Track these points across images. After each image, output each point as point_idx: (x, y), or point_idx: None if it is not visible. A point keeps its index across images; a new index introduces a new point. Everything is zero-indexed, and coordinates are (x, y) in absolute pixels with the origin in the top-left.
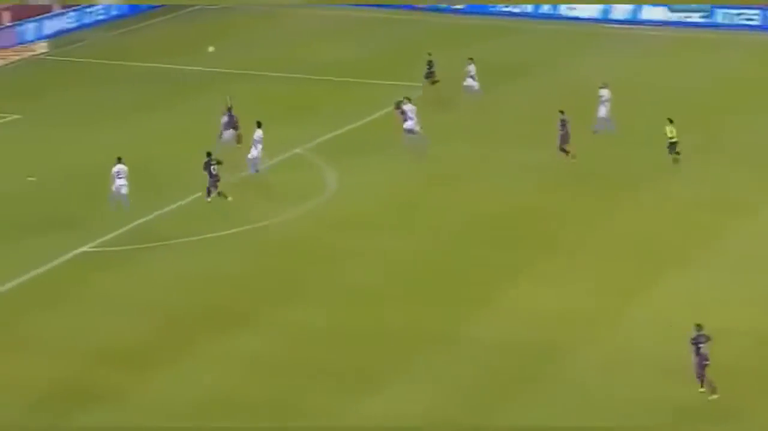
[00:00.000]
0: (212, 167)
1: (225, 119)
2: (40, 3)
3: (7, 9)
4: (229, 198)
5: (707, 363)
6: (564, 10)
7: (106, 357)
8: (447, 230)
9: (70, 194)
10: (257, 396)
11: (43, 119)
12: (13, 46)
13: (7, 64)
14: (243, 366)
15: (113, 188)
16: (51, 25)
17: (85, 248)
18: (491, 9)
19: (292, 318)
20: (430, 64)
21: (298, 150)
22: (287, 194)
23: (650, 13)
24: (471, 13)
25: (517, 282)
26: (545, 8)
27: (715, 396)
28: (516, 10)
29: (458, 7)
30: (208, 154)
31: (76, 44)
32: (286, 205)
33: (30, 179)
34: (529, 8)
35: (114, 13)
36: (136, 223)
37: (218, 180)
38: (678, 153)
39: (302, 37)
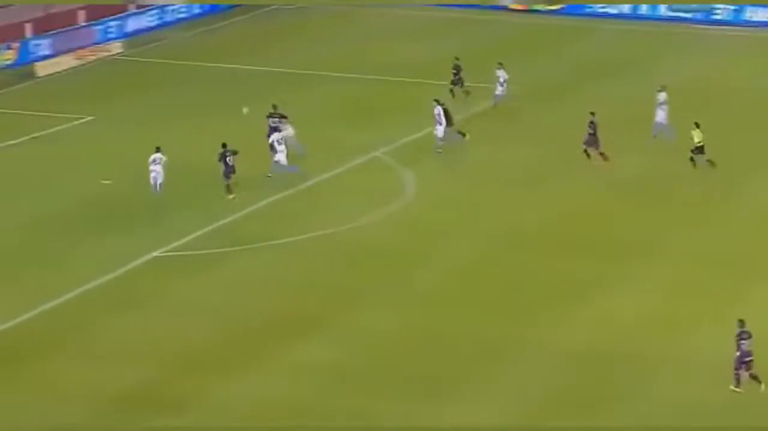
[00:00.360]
0: (228, 158)
1: (274, 123)
2: (115, 2)
3: (82, 8)
4: (231, 196)
5: (749, 359)
6: (663, 10)
7: (180, 363)
8: (523, 235)
9: (145, 197)
10: (328, 402)
11: (118, 121)
12: (88, 46)
13: (82, 65)
14: (315, 372)
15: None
16: (126, 25)
17: (160, 252)
18: (586, 9)
19: (365, 325)
20: (457, 69)
21: (375, 153)
22: (364, 198)
23: (755, 14)
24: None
25: (593, 289)
26: (643, 9)
27: (763, 387)
28: (613, 11)
29: (552, 7)
30: (224, 145)
31: (151, 44)
32: (363, 209)
33: (105, 181)
34: (626, 8)
35: (191, 12)
36: (212, 226)
37: (233, 172)
38: (702, 158)
39: (378, 38)
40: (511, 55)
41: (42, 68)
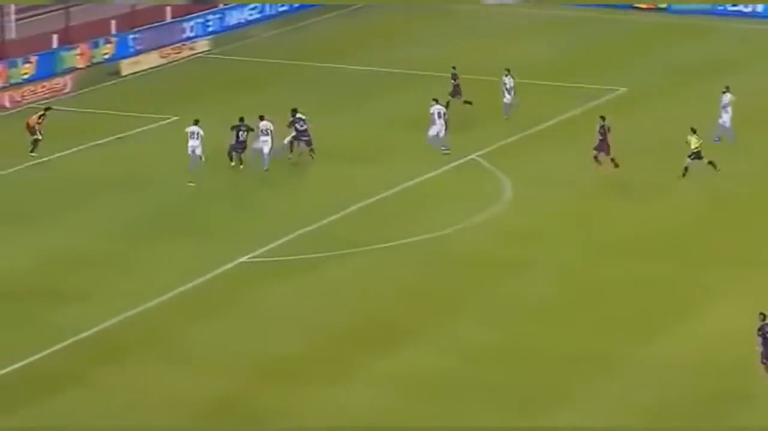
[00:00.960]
0: (240, 132)
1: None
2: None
3: (168, 5)
4: (242, 167)
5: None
6: None
7: (267, 372)
8: (623, 243)
9: (232, 200)
10: (420, 415)
11: (203, 122)
12: (174, 44)
13: (167, 63)
14: (407, 383)
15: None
16: (214, 23)
17: (247, 257)
18: (703, 8)
19: (460, 335)
20: (454, 78)
21: (472, 156)
22: (460, 203)
23: None
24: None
25: (700, 297)
26: (760, 8)
27: None
28: (734, 9)
29: (662, 6)
30: (241, 119)
31: (239, 42)
32: (459, 215)
33: (190, 184)
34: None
35: (279, 10)
36: (301, 231)
37: (244, 148)
38: (699, 163)
39: (478, 37)
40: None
41: (127, 66)
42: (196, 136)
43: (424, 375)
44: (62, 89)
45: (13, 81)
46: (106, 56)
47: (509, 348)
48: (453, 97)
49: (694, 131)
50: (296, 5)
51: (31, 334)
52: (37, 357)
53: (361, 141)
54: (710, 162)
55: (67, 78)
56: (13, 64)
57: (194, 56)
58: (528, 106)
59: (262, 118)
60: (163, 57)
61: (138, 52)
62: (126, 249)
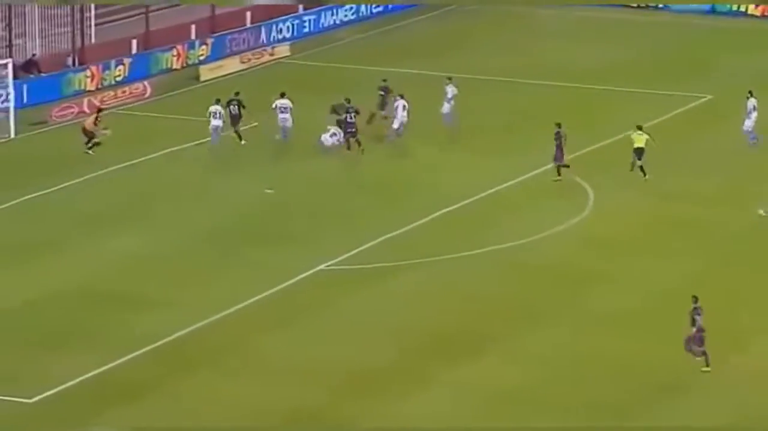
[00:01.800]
0: (232, 107)
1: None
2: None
3: (248, 10)
4: (243, 142)
5: (703, 333)
6: None
7: (346, 382)
8: (710, 253)
9: (311, 208)
10: (497, 425)
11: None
12: (254, 49)
13: (247, 69)
14: (484, 393)
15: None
16: (294, 27)
17: (326, 265)
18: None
19: (538, 345)
20: (384, 91)
21: (552, 164)
22: (543, 211)
23: None
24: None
25: None
26: None
27: (707, 369)
28: None
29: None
30: (236, 93)
31: (320, 47)
32: (540, 223)
33: (268, 190)
34: None
35: (362, 14)
36: (379, 240)
37: (239, 119)
38: (637, 163)
39: (553, 41)
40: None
41: (207, 72)
42: (285, 108)
43: (501, 386)
44: (142, 94)
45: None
46: (201, 57)
47: (588, 360)
48: (380, 110)
49: (639, 128)
50: (377, 11)
51: (109, 341)
52: (114, 364)
53: (441, 147)
54: (641, 167)
55: (147, 83)
56: (107, 67)
57: (274, 61)
58: (610, 113)
59: (282, 95)
60: (243, 62)
61: (218, 58)
62: (204, 256)
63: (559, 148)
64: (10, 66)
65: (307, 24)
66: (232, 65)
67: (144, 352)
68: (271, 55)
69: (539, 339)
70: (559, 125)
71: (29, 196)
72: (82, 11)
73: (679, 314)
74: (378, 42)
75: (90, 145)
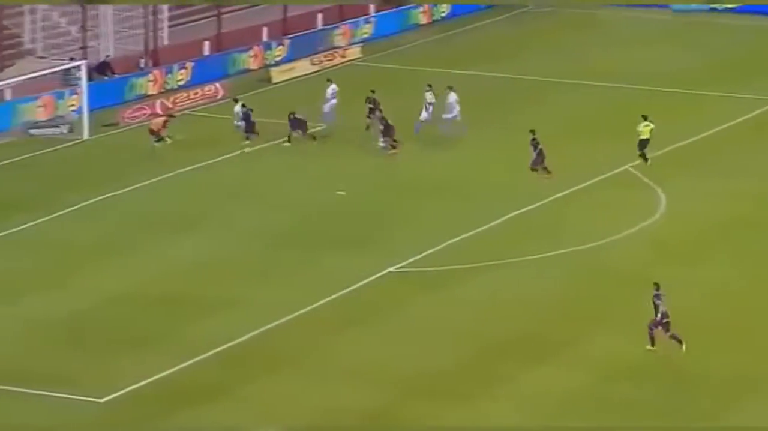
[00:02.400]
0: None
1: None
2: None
3: (320, 11)
4: (246, 143)
5: (668, 320)
6: None
7: (414, 385)
8: None
9: (380, 210)
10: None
11: (352, 130)
12: (325, 51)
13: (318, 71)
14: (553, 398)
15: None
16: (366, 29)
17: (395, 267)
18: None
19: (606, 350)
20: (373, 104)
21: (627, 167)
22: (612, 214)
23: None
24: None
25: None
26: None
27: (684, 347)
28: None
29: None
30: (242, 105)
31: (391, 50)
32: (611, 226)
33: (339, 192)
34: None
35: (433, 17)
36: (450, 242)
37: (252, 126)
38: (644, 156)
39: (625, 43)
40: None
41: (278, 74)
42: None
43: (568, 389)
44: (214, 96)
45: (168, 87)
46: (279, 58)
47: (657, 365)
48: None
49: (645, 118)
50: (447, 14)
51: (179, 343)
52: (184, 365)
53: (511, 150)
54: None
55: (219, 84)
56: (169, 71)
57: (345, 63)
58: (680, 117)
59: (329, 81)
60: (314, 64)
61: (290, 60)
62: (274, 259)
63: (540, 154)
64: (84, 68)
65: (378, 26)
66: (303, 67)
67: (213, 354)
68: (343, 57)
69: (607, 343)
70: (533, 132)
71: (100, 197)
72: (155, 13)
73: (748, 319)
74: (448, 44)
75: (157, 140)
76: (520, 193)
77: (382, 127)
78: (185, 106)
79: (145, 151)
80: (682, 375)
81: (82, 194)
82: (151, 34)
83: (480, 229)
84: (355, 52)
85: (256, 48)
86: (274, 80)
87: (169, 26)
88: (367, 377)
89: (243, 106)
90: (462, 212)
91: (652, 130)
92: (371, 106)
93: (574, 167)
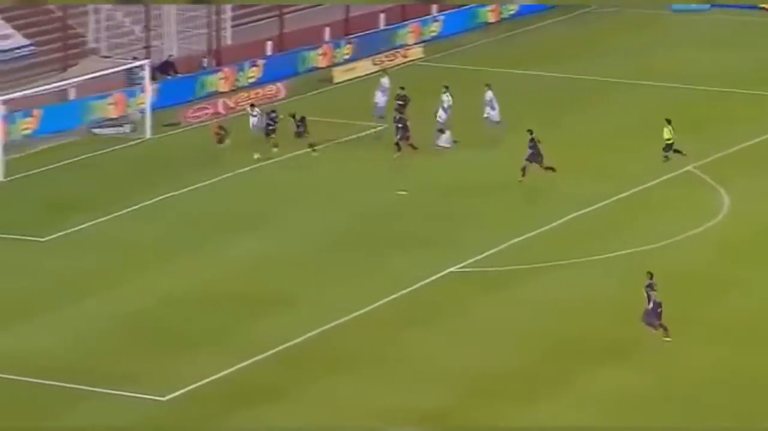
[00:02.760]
0: (271, 117)
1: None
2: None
3: (382, 11)
4: (256, 156)
5: (661, 309)
6: None
7: (475, 386)
8: None
9: (441, 210)
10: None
11: (413, 130)
12: (387, 51)
13: (380, 71)
14: (614, 401)
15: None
16: (428, 29)
17: (457, 267)
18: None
19: (667, 353)
20: (299, 122)
21: (688, 168)
22: (675, 215)
23: None
24: None
25: None
26: None
27: (668, 339)
28: None
29: None
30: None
31: (454, 49)
32: (673, 228)
33: (400, 192)
34: None
35: (502, 15)
36: (511, 242)
37: (273, 132)
38: (678, 151)
39: (686, 44)
40: None
41: (339, 74)
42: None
43: (633, 391)
44: (276, 95)
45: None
46: (347, 56)
47: (719, 367)
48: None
49: (669, 122)
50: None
51: (240, 342)
52: (245, 364)
53: (573, 150)
54: (677, 151)
55: (281, 84)
56: (240, 69)
57: (407, 63)
58: (742, 117)
59: (384, 72)
60: (375, 64)
61: (351, 60)
62: (335, 258)
63: (536, 151)
64: (147, 67)
65: (445, 24)
66: (364, 67)
67: (273, 353)
68: (405, 57)
69: (666, 346)
70: (530, 131)
71: (160, 197)
72: (218, 13)
73: None
74: (511, 44)
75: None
76: (583, 193)
77: (400, 125)
78: (245, 106)
79: (207, 150)
80: (745, 376)
81: (143, 193)
82: (214, 33)
83: (542, 229)
84: (417, 52)
85: (325, 46)
86: (336, 80)
87: (232, 26)
88: (428, 378)
89: (272, 111)
90: (524, 212)
91: (671, 131)
92: (401, 102)
93: (636, 168)
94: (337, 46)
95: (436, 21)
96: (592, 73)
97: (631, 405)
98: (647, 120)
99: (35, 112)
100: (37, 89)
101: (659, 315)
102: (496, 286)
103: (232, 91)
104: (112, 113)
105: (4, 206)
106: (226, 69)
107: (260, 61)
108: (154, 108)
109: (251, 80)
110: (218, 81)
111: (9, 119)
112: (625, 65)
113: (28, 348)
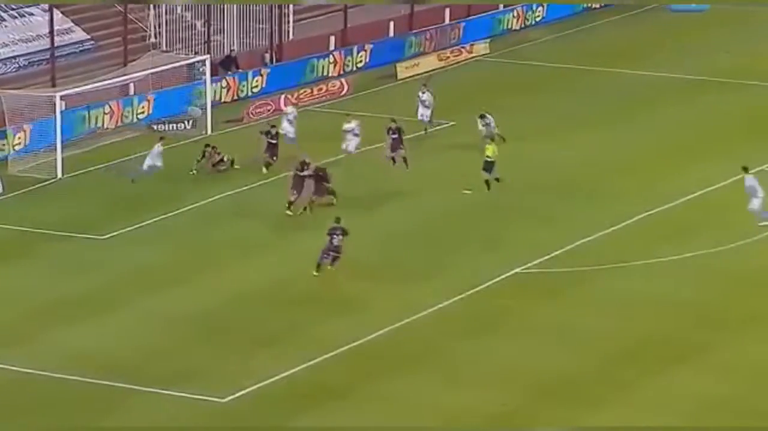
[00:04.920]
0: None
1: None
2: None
3: (446, 7)
4: (234, 166)
5: (338, 255)
6: None
7: (540, 388)
8: None
9: (507, 210)
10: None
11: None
12: (452, 47)
13: (445, 67)
14: (684, 406)
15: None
16: (494, 25)
17: (522, 268)
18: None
19: (736, 356)
20: (396, 131)
21: (764, 167)
22: (747, 216)
23: None
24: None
25: None
26: None
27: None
28: None
29: None
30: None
31: (521, 45)
32: (745, 229)
33: (466, 191)
34: None
35: (561, 13)
36: (578, 242)
37: (274, 153)
38: (497, 179)
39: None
40: None
41: (403, 70)
42: (290, 121)
43: (699, 395)
44: (339, 92)
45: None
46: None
47: None
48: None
49: (493, 140)
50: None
51: (302, 343)
52: (306, 365)
53: (642, 149)
54: (496, 178)
55: (345, 80)
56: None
57: (472, 59)
58: None
59: (425, 87)
60: (440, 60)
61: (415, 55)
62: (400, 258)
63: (397, 140)
64: (208, 63)
65: (505, 21)
66: (429, 63)
67: (339, 353)
68: (470, 53)
69: (739, 348)
70: (393, 120)
71: (225, 194)
72: (280, 7)
73: None
74: (578, 40)
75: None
76: (652, 193)
77: (395, 135)
78: (308, 103)
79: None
80: None
81: (206, 190)
82: (276, 28)
83: (610, 229)
84: (482, 47)
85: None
86: (400, 76)
87: (295, 21)
88: (494, 379)
89: (273, 126)
90: (591, 213)
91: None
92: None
93: (707, 168)
94: (401, 41)
95: (496, 17)
96: (663, 70)
97: (701, 408)
98: (727, 118)
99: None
100: (97, 84)
101: (330, 257)
102: (562, 287)
103: (295, 87)
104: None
105: (63, 204)
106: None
107: (368, 46)
108: (216, 104)
109: (360, 63)
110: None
111: (69, 115)
112: (700, 63)
113: (88, 347)
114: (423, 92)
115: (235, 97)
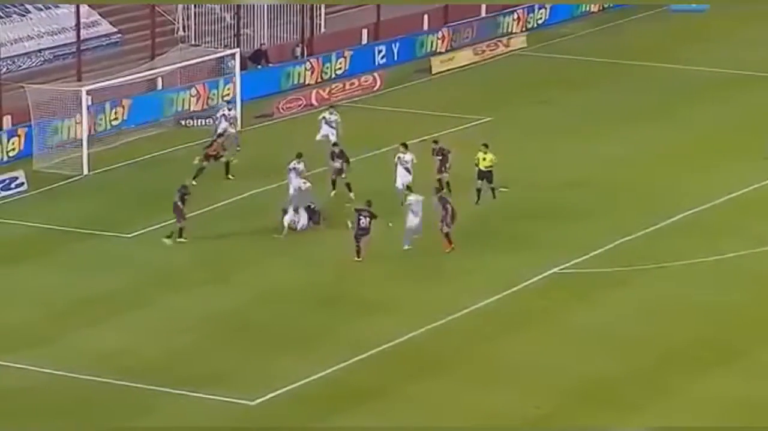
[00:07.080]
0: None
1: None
2: None
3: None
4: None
5: (365, 234)
6: None
7: (576, 391)
8: None
9: (543, 209)
10: None
11: (517, 123)
12: (489, 40)
13: (482, 60)
14: (725, 408)
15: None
16: (531, 18)
17: (560, 268)
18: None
19: None
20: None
21: None
22: None
23: None
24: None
25: None
26: None
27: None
28: None
29: None
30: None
31: (557, 39)
32: None
33: (502, 189)
34: None
35: (605, 5)
36: (615, 243)
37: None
38: (492, 189)
39: None
40: None
41: (438, 64)
42: (334, 124)
43: (738, 399)
44: (372, 86)
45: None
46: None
47: None
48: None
49: (486, 147)
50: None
51: (332, 344)
52: (337, 367)
53: (680, 147)
54: (493, 189)
55: (377, 74)
56: (327, 60)
57: (509, 53)
58: None
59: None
60: (476, 54)
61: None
62: (434, 258)
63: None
64: (237, 56)
65: (544, 15)
66: (464, 57)
67: (368, 356)
68: (507, 46)
69: None
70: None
71: (252, 191)
72: None
73: None
74: (616, 34)
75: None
76: (691, 191)
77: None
78: (341, 97)
79: (299, 144)
80: None
81: (235, 188)
82: (307, 21)
83: (647, 230)
84: (519, 41)
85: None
86: (435, 71)
87: (327, 14)
88: (529, 381)
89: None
90: (629, 212)
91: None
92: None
93: (747, 166)
94: (435, 34)
95: (543, 8)
96: (701, 65)
97: (741, 411)
98: (759, 118)
99: (124, 102)
100: (124, 79)
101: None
102: (599, 287)
103: (326, 81)
104: (196, 105)
105: (88, 201)
106: (318, 59)
107: (347, 53)
108: (246, 99)
109: (338, 71)
110: (308, 72)
111: (97, 109)
112: (740, 57)
113: (115, 347)
114: (331, 113)
115: (319, 80)
